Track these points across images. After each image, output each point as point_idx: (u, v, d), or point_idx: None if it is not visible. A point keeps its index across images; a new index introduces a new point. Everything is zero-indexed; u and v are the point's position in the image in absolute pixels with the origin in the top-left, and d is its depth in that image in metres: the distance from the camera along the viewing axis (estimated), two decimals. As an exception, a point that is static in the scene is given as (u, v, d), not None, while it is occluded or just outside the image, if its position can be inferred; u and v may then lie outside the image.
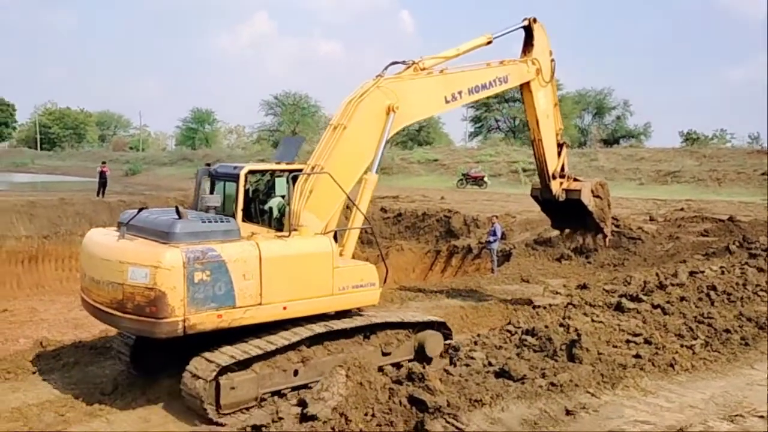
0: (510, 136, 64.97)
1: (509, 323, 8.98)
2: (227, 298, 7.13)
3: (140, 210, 7.95)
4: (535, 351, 7.63)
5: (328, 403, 5.44)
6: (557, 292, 10.48)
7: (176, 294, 6.79)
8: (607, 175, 39.38)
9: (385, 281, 9.26)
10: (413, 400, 5.77)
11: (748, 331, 8.93)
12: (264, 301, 7.41)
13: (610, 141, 60.57)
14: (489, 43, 11.17)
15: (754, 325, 9.15)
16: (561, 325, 8.79)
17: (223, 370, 7.13)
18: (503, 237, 24.09)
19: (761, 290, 10.63)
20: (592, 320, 9.22)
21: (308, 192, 8.31)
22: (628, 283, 10.94)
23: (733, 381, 7.33)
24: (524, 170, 41.79)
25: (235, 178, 8.67)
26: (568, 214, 12.80)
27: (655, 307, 9.70)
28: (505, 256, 22.33)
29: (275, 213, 9.09)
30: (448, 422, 5.62)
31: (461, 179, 41.27)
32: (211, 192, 9.12)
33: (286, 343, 7.54)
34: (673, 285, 10.62)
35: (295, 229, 8.03)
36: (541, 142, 12.13)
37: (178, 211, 7.42)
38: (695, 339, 8.65)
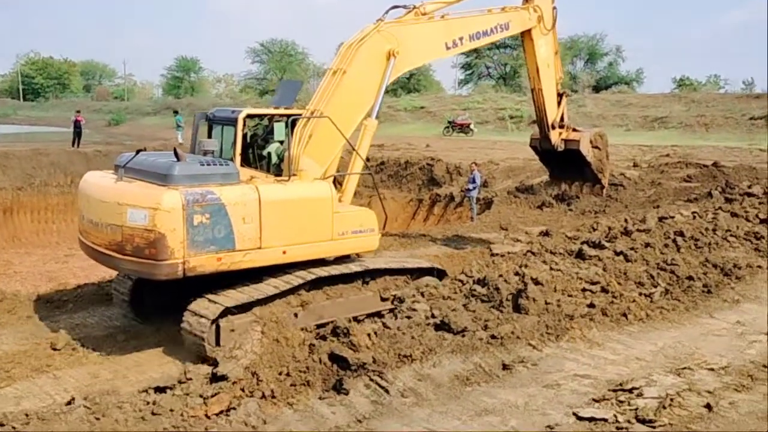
0: (501, 84, 63.89)
1: (462, 272, 8.55)
2: (227, 241, 7.10)
3: (138, 152, 7.79)
4: (482, 301, 7.22)
5: (240, 362, 5.02)
6: (518, 240, 10.03)
7: (176, 236, 6.76)
8: (594, 121, 38.64)
9: (384, 227, 9.31)
10: (334, 357, 5.35)
11: (712, 278, 8.52)
12: (263, 245, 7.39)
13: (600, 87, 59.52)
14: None
15: (719, 272, 8.75)
16: (516, 273, 8.37)
17: (224, 312, 7.05)
18: (485, 184, 23.77)
19: (731, 235, 10.22)
20: (551, 268, 8.78)
21: (307, 137, 8.24)
22: (594, 230, 10.50)
23: (688, 331, 6.95)
24: (511, 117, 41.05)
25: (233, 122, 8.58)
26: (566, 165, 12.67)
27: (617, 253, 9.28)
28: (487, 204, 22.09)
29: (273, 158, 8.96)
30: (372, 380, 5.22)
31: (447, 127, 40.47)
32: (209, 136, 9.02)
33: (288, 287, 7.50)
34: (639, 231, 10.18)
35: (294, 174, 7.97)
36: (541, 92, 11.95)
37: (176, 154, 7.33)
38: (655, 287, 8.26)
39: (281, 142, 8.98)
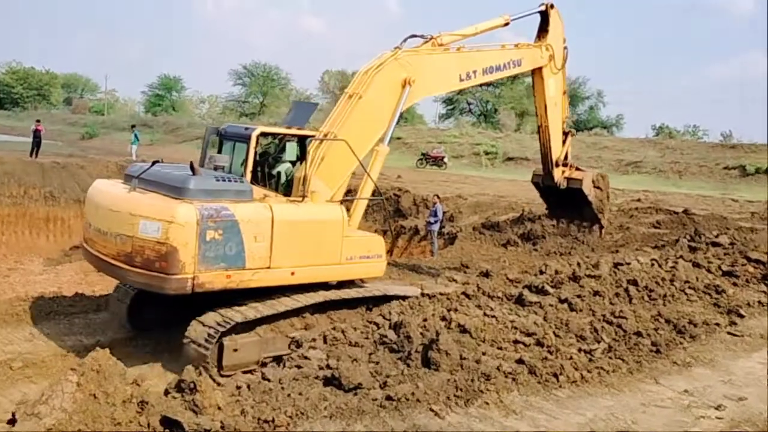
0: (481, 120, 63.67)
1: (379, 314, 7.50)
2: (237, 258, 7.01)
3: (153, 163, 7.67)
4: (391, 351, 6.15)
5: (43, 421, 3.90)
6: (453, 279, 9.03)
7: (188, 250, 6.65)
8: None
9: (390, 253, 9.66)
10: (167, 422, 4.22)
11: (663, 335, 7.53)
12: (273, 265, 7.31)
13: (579, 129, 59.47)
14: (506, 24, 11.05)
15: (671, 329, 7.76)
16: (443, 318, 7.34)
17: (227, 331, 7.00)
18: (451, 219, 23.02)
19: (690, 287, 9.27)
20: (485, 314, 7.78)
21: (320, 159, 8.17)
22: (542, 273, 9.52)
23: (626, 399, 5.91)
24: (486, 153, 40.47)
25: (245, 139, 8.53)
26: (566, 203, 12.92)
27: (561, 301, 8.29)
28: (450, 239, 21.43)
29: (282, 177, 8.95)
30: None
31: (421, 159, 39.77)
32: (219, 152, 8.98)
33: (293, 307, 7.44)
34: (589, 276, 9.22)
35: (305, 195, 7.86)
36: (547, 129, 11.94)
37: (192, 168, 7.20)
38: (598, 342, 7.26)
39: (291, 162, 9.01)
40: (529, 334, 7.21)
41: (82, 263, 16.77)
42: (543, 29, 11.73)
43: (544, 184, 12.87)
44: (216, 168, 7.82)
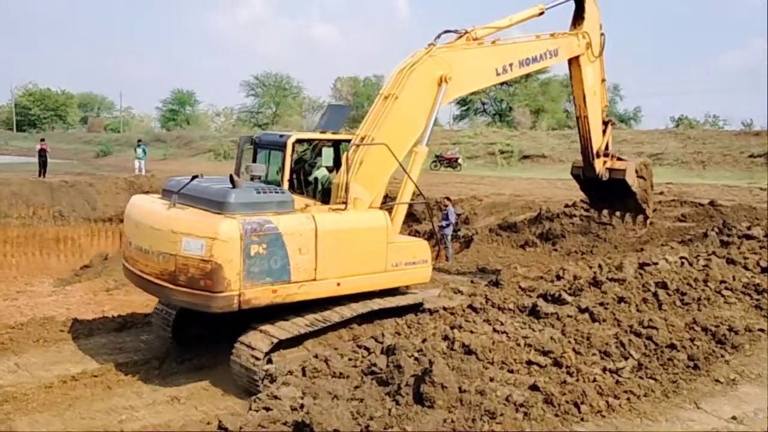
0: (497, 120, 62.58)
1: (372, 336, 6.59)
2: (283, 272, 6.88)
3: (193, 178, 7.49)
4: (380, 383, 5.23)
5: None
6: (459, 291, 8.10)
7: (232, 267, 6.51)
8: (587, 157, 37.02)
9: (436, 258, 9.32)
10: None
11: (701, 347, 6.51)
12: (318, 277, 7.16)
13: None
14: (541, 14, 10.78)
15: (709, 338, 6.74)
16: (445, 338, 6.41)
17: (275, 347, 6.88)
18: (466, 221, 22.26)
19: (726, 288, 8.22)
20: (494, 330, 6.82)
21: (358, 163, 7.97)
22: (560, 278, 8.54)
23: (662, 431, 4.95)
24: (501, 152, 39.43)
25: (281, 146, 8.43)
26: (609, 194, 12.45)
27: (582, 311, 7.30)
28: (466, 242, 20.71)
29: (320, 184, 8.79)
30: None
31: (435, 161, 38.85)
32: (254, 161, 8.92)
33: (340, 319, 7.29)
34: (612, 281, 8.23)
35: (344, 202, 7.69)
36: (587, 119, 11.68)
37: (232, 181, 7.04)
38: (626, 359, 6.27)
39: (328, 168, 8.86)
40: (545, 353, 6.25)
41: (91, 283, 16.37)
42: (578, 17, 11.41)
43: (585, 176, 12.36)
44: (252, 178, 7.67)
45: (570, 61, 11.41)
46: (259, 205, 6.98)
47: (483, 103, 68.71)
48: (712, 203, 19.92)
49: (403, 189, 8.61)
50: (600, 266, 9.28)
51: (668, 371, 6.06)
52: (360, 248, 7.54)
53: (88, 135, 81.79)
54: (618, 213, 13.57)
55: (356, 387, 5.19)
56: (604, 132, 12.17)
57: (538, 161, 37.46)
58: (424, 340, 6.32)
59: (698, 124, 56.16)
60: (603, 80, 12.05)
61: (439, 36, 9.40)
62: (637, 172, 12.18)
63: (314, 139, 9.08)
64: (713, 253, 10.09)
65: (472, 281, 12.76)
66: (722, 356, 6.42)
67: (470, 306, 7.39)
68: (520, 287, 8.08)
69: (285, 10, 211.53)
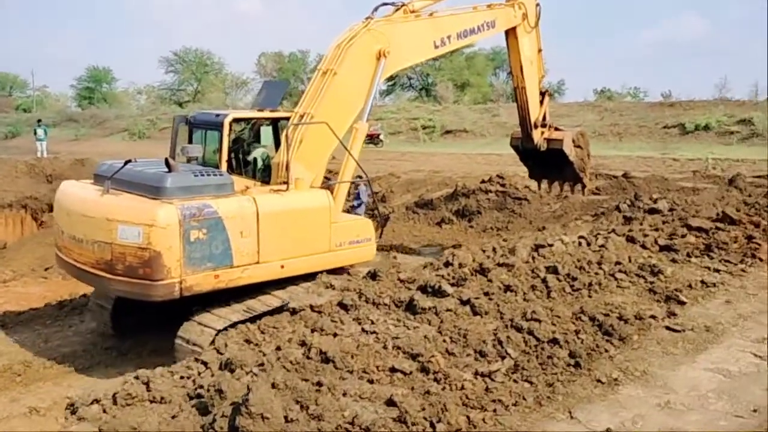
0: (423, 95, 62.02)
1: (213, 347, 5.70)
2: (224, 257, 6.74)
3: (126, 162, 7.26)
4: (200, 412, 4.36)
5: None
6: (331, 285, 7.28)
7: (172, 254, 6.36)
8: (507, 131, 36.77)
9: (380, 236, 9.10)
10: None
11: (585, 340, 5.90)
12: (261, 260, 7.07)
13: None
14: None
15: (596, 330, 6.14)
16: (302, 343, 5.59)
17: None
18: (383, 199, 21.76)
19: (620, 271, 7.70)
20: (363, 330, 6.06)
21: (298, 142, 7.86)
22: (449, 264, 7.83)
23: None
24: (424, 128, 38.83)
25: (218, 126, 8.26)
26: (548, 164, 12.64)
27: (463, 302, 6.62)
28: (384, 222, 20.12)
29: (259, 164, 8.64)
30: None
31: (356, 137, 37.95)
32: (190, 141, 8.73)
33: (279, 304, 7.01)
34: (501, 266, 7.59)
35: (286, 182, 7.58)
36: (524, 90, 11.76)
37: (168, 164, 6.90)
38: (503, 358, 5.61)
39: (267, 147, 8.80)
40: (413, 356, 5.51)
41: None
42: None
43: (523, 146, 12.44)
44: (189, 159, 7.48)
45: (507, 33, 11.39)
46: (197, 188, 6.80)
47: (409, 78, 68.09)
48: (625, 175, 20.21)
49: (345, 167, 8.48)
50: (494, 249, 8.65)
51: (546, 371, 5.41)
52: (303, 229, 7.46)
53: (-3, 115, 77.02)
54: (557, 182, 13.73)
55: (173, 416, 4.29)
56: (541, 102, 12.22)
57: (460, 136, 37.09)
58: (278, 348, 5.49)
59: (620, 96, 57.13)
60: (539, 50, 12.07)
61: (376, 9, 9.27)
62: (574, 141, 12.31)
63: (252, 118, 8.91)
64: (613, 230, 9.64)
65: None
66: (607, 351, 5.82)
67: (340, 303, 6.57)
68: (399, 279, 7.31)
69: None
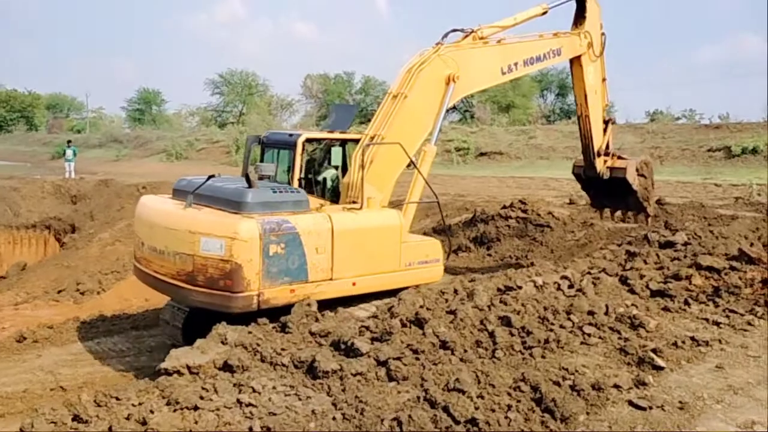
0: (468, 118, 60.82)
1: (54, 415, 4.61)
2: (300, 272, 6.89)
3: (209, 177, 7.46)
4: None
5: None
6: (224, 341, 6.09)
7: (252, 267, 6.50)
8: (543, 153, 35.32)
9: (447, 257, 9.12)
10: None
11: (515, 420, 4.61)
12: (335, 276, 7.21)
13: (562, 117, 56.52)
14: (544, 13, 10.83)
15: (532, 405, 4.83)
16: (143, 422, 4.45)
17: None
18: None
19: (591, 323, 6.32)
20: (238, 402, 4.88)
21: (368, 162, 8.01)
22: (392, 312, 6.59)
23: None
24: (457, 150, 37.54)
25: (290, 146, 8.55)
26: (611, 193, 12.58)
27: (380, 363, 5.40)
28: (451, 243, 19.38)
29: (329, 183, 8.93)
30: None
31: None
32: (261, 160, 9.01)
33: None
34: (449, 313, 6.32)
35: (354, 201, 7.87)
36: (588, 118, 11.75)
37: (248, 180, 7.09)
38: (400, 445, 4.37)
39: (336, 168, 9.03)
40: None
41: (1, 296, 14.55)
42: (580, 16, 11.46)
43: (585, 175, 12.38)
44: (261, 177, 7.59)
45: (571, 61, 11.45)
46: (276, 204, 6.98)
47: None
48: (659, 201, 18.61)
49: (413, 187, 8.55)
50: (455, 291, 7.36)
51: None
52: (375, 247, 7.58)
53: (48, 137, 79.36)
54: (619, 211, 13.52)
55: None
56: (604, 131, 12.17)
57: (494, 158, 35.73)
58: (109, 428, 4.38)
59: (674, 118, 54.53)
60: (604, 79, 12.06)
61: (446, 35, 9.39)
62: (637, 170, 12.18)
63: (323, 139, 9.14)
64: (603, 269, 8.24)
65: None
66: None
67: (225, 363, 5.42)
68: (310, 331, 6.12)
69: (263, 9, 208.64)
